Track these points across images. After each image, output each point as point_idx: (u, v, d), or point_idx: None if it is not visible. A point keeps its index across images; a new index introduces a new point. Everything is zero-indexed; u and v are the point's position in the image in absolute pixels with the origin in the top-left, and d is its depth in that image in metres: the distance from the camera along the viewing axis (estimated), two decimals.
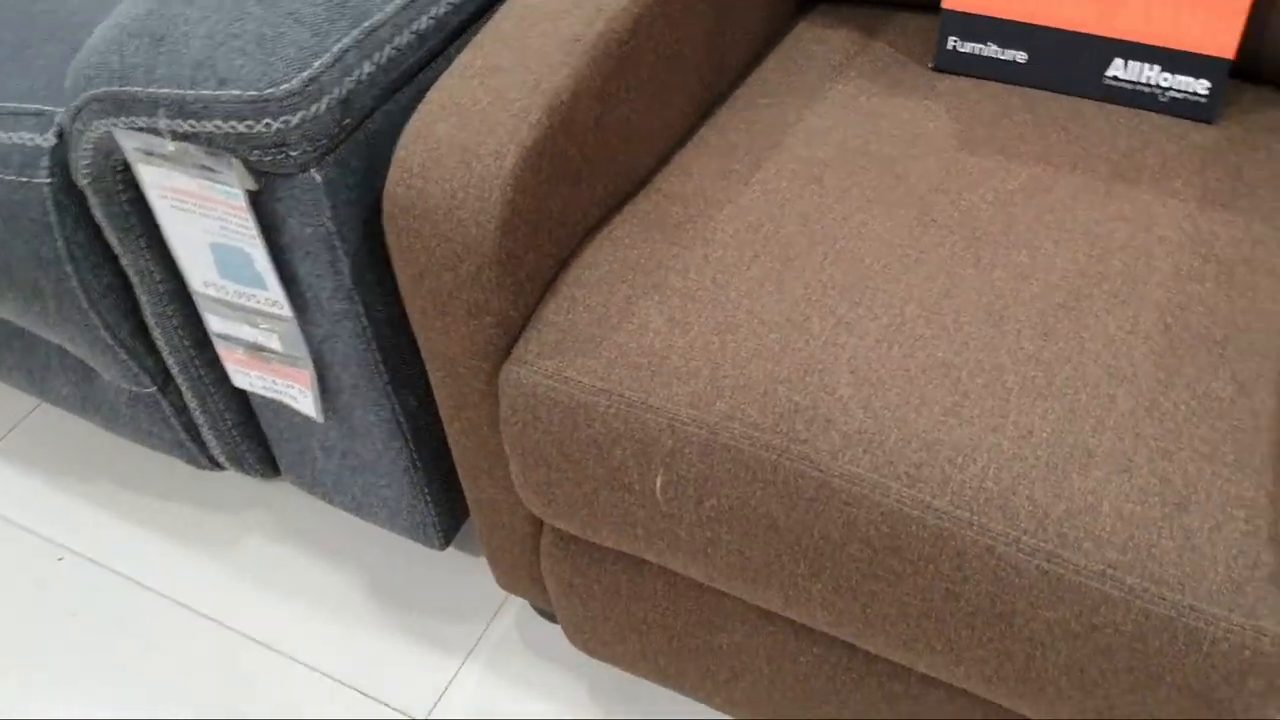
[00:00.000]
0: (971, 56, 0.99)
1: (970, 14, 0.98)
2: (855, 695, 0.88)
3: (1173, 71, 0.94)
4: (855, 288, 0.81)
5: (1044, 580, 0.68)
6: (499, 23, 0.86)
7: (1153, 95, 0.95)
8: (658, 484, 0.79)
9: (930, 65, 1.01)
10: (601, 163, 0.88)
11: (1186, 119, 0.94)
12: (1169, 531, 0.67)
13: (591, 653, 1.04)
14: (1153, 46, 0.94)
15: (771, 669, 0.91)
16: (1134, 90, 0.95)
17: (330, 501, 1.17)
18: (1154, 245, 0.83)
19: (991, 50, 0.98)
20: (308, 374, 0.99)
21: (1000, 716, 0.82)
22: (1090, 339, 0.77)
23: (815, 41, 1.06)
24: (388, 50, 0.87)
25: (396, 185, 0.80)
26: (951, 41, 0.99)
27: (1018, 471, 0.70)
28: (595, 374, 0.79)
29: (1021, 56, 0.98)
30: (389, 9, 0.87)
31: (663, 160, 0.96)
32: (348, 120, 0.84)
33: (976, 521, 0.70)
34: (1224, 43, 0.92)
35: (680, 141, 0.97)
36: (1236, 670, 0.65)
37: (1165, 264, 0.81)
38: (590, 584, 0.96)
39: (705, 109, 1.01)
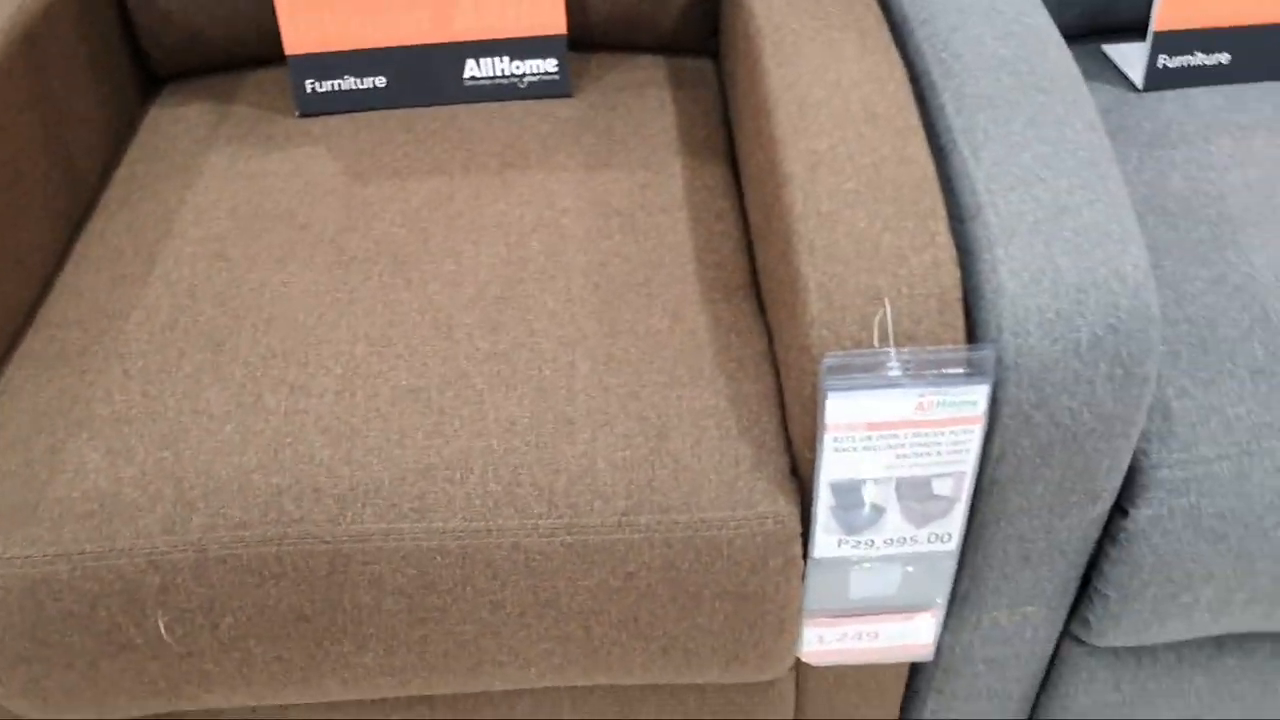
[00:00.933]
0: (333, 94, 0.99)
1: (316, 54, 0.97)
2: None
3: (522, 58, 0.99)
4: (297, 349, 0.77)
5: (572, 553, 0.70)
6: None
7: (512, 85, 1.00)
8: (161, 627, 0.71)
9: (296, 113, 0.99)
10: None
11: (549, 97, 1.00)
12: (660, 462, 0.71)
13: None
14: (496, 41, 0.99)
15: None
16: (495, 85, 1.00)
17: None
18: (561, 218, 0.87)
19: (350, 82, 0.98)
20: None
21: (587, 697, 0.83)
22: (535, 319, 0.79)
23: (172, 121, 1.00)
24: None
25: None
26: (309, 85, 0.98)
27: (515, 464, 0.71)
28: (43, 542, 0.69)
29: (381, 81, 0.99)
30: None
31: (45, 288, 0.85)
32: None
33: (494, 526, 0.70)
34: (554, 20, 0.99)
35: (58, 263, 0.88)
36: (757, 558, 0.71)
37: (577, 231, 0.86)
38: None
39: (75, 222, 0.91)
